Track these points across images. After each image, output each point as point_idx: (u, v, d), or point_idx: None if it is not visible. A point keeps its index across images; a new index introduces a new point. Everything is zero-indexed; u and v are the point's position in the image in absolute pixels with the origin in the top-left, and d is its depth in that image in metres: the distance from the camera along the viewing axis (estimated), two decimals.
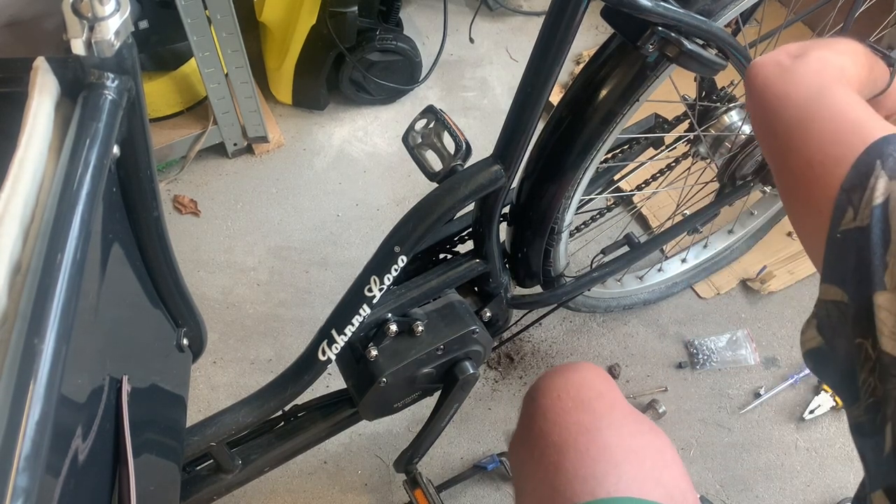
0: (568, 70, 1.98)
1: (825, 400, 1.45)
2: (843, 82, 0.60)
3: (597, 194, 1.27)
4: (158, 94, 1.63)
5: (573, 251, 1.51)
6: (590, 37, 2.03)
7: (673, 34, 0.77)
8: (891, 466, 0.43)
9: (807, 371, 1.49)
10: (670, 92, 1.05)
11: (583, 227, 1.30)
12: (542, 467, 0.80)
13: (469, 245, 1.05)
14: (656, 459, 0.79)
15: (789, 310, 1.60)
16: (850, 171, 0.49)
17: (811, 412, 1.45)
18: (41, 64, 0.50)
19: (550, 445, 0.80)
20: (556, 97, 0.97)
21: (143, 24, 1.49)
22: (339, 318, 0.93)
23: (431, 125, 0.88)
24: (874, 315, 0.44)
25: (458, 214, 0.98)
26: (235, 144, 1.75)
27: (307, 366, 0.97)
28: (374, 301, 0.91)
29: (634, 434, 0.81)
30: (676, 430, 1.45)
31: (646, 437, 0.81)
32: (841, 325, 0.48)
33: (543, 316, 1.42)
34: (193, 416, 0.91)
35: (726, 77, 1.04)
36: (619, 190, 1.30)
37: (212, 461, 0.99)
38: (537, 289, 1.20)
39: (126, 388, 0.57)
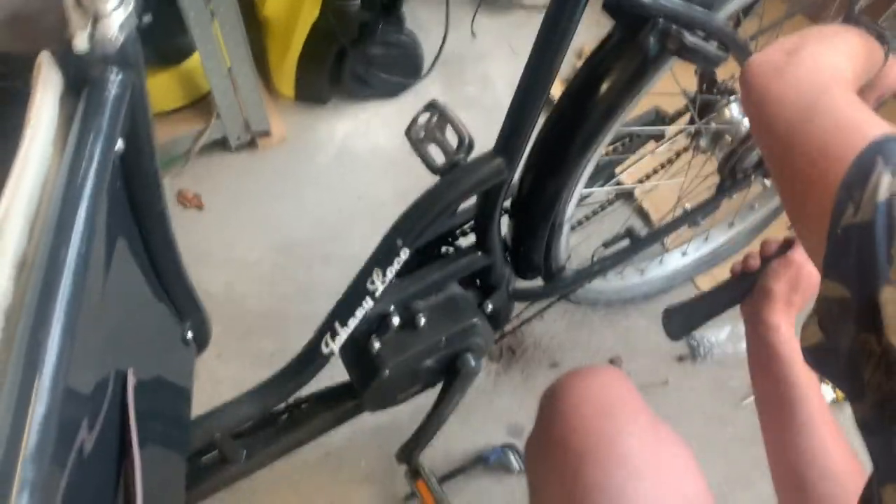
0: (569, 64, 1.97)
1: (825, 392, 1.45)
2: (840, 81, 0.60)
3: (598, 187, 1.27)
4: (161, 88, 1.63)
5: (574, 244, 1.52)
6: (591, 31, 2.03)
7: (674, 27, 0.77)
8: None
9: None
10: (671, 85, 1.05)
11: (584, 220, 1.31)
12: (561, 473, 0.79)
13: (471, 238, 1.05)
14: (680, 472, 0.78)
15: None
16: (850, 168, 0.49)
17: None
18: (45, 59, 0.51)
19: (570, 451, 0.79)
20: (557, 91, 0.97)
21: (147, 19, 1.49)
22: (342, 310, 0.93)
23: (434, 119, 0.88)
24: (879, 310, 0.44)
25: (460, 208, 0.98)
26: (238, 138, 1.75)
27: (310, 358, 0.98)
28: (377, 294, 0.91)
29: (657, 444, 0.80)
30: (677, 423, 1.42)
31: (669, 448, 0.80)
32: (843, 320, 0.48)
33: (545, 308, 1.42)
34: (198, 409, 0.91)
35: (727, 70, 1.04)
36: (620, 183, 1.30)
37: (216, 452, 0.99)
38: (539, 281, 1.21)
39: (131, 380, 0.58)
